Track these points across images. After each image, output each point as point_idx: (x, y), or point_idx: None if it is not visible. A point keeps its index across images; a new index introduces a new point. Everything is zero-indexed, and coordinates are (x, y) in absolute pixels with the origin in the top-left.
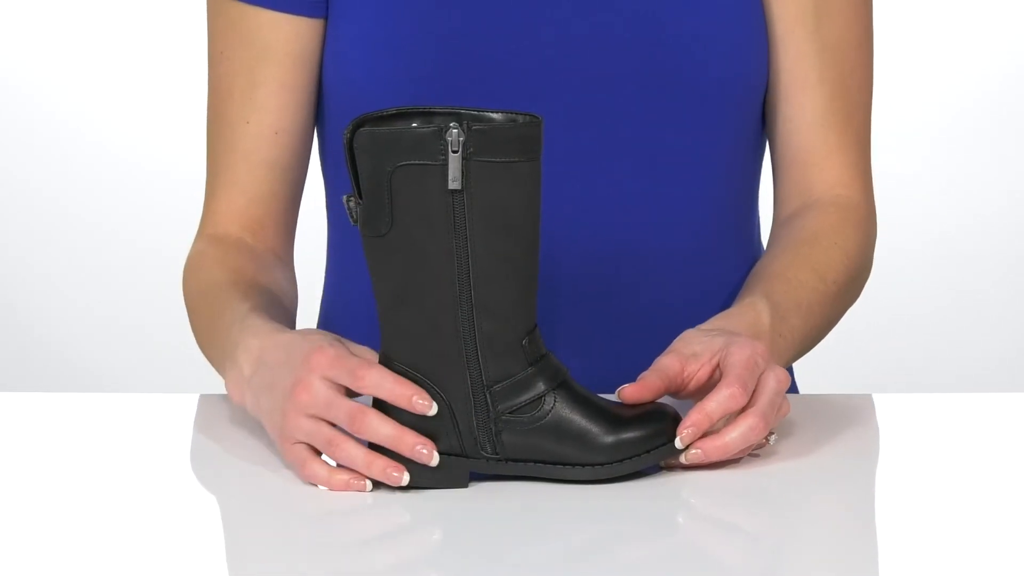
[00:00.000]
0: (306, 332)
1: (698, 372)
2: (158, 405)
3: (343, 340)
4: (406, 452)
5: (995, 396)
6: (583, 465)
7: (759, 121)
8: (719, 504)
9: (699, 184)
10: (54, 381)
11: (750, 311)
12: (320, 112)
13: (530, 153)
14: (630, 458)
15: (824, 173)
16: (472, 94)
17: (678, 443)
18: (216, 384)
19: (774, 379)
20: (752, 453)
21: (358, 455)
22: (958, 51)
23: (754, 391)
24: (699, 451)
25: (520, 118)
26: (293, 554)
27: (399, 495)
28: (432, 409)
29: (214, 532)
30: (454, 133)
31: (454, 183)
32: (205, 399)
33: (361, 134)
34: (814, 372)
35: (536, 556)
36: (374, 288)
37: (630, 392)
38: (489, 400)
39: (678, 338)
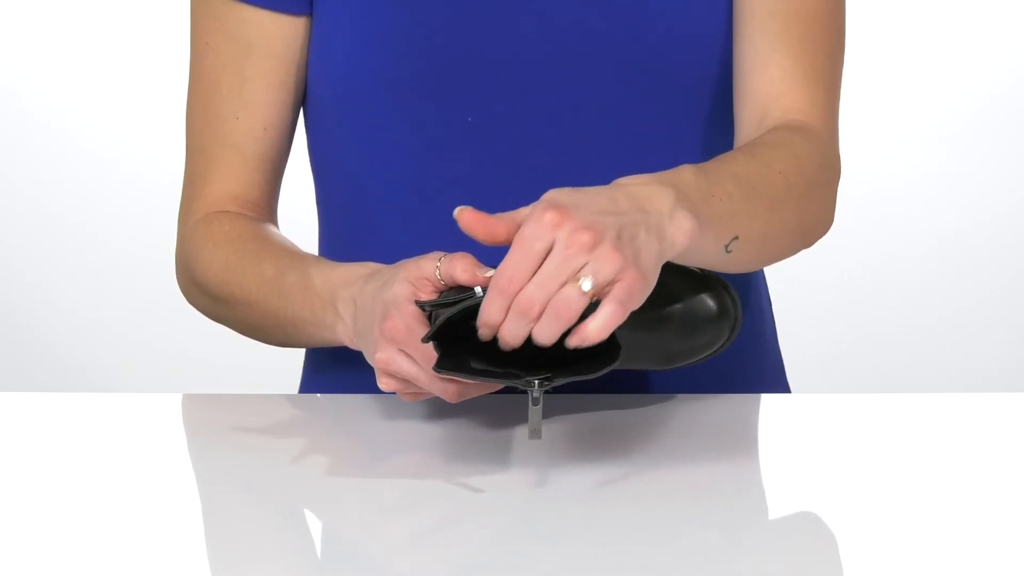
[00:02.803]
0: (379, 277)
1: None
2: (142, 405)
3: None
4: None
5: (995, 396)
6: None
7: None
8: (707, 503)
9: None
10: (40, 380)
11: (671, 171)
12: (307, 110)
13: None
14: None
15: (780, 105)
16: (455, 89)
17: (482, 334)
18: (199, 383)
19: (562, 249)
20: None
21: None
22: (964, 53)
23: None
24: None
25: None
26: (292, 554)
27: (398, 492)
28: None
29: (211, 530)
30: (536, 394)
31: (534, 435)
32: (188, 398)
33: (444, 364)
34: (814, 372)
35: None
36: None
37: (469, 216)
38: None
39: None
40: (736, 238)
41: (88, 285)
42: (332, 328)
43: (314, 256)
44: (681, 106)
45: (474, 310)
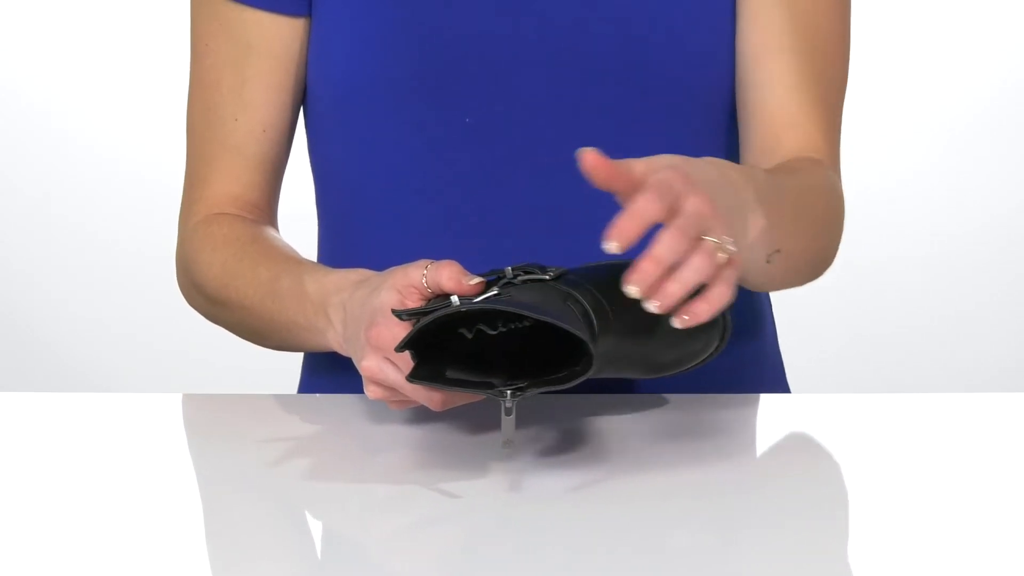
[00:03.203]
0: (368, 285)
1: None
2: (142, 405)
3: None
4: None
5: (995, 396)
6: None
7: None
8: (706, 503)
9: None
10: (40, 380)
11: (747, 167)
12: (307, 110)
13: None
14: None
15: (793, 140)
16: (455, 89)
17: (633, 291)
18: (199, 383)
19: (694, 202)
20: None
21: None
22: (964, 54)
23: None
24: (655, 302)
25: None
26: (293, 554)
27: (398, 492)
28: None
29: (211, 530)
30: (508, 403)
31: (507, 444)
32: (188, 398)
33: (419, 373)
34: (814, 373)
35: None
36: None
37: (592, 158)
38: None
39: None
40: (778, 251)
41: (88, 285)
42: (323, 334)
43: (310, 262)
44: (681, 107)
45: (453, 318)
